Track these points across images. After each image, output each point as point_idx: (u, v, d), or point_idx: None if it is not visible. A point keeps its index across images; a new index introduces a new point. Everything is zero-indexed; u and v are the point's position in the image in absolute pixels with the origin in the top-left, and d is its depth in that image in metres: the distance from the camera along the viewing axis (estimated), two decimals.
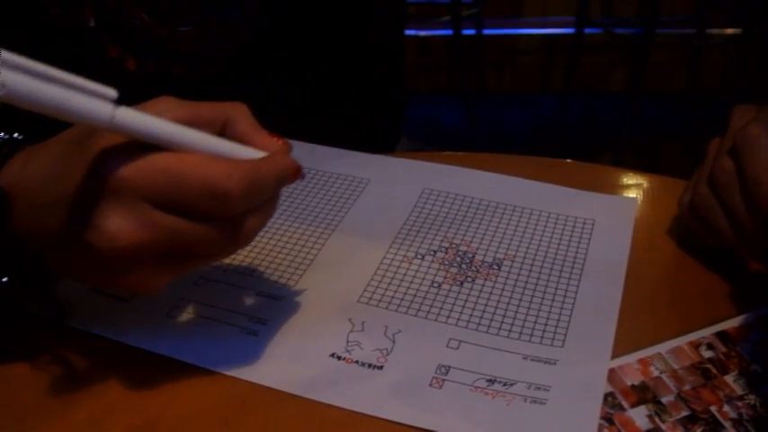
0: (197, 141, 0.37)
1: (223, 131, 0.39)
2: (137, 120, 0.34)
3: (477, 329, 0.46)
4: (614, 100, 2.23)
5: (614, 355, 0.44)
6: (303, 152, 0.62)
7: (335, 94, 0.71)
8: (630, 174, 0.60)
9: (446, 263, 0.51)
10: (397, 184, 0.59)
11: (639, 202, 0.57)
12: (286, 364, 0.44)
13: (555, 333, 0.46)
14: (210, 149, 0.37)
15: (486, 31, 2.19)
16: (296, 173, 0.40)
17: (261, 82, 0.67)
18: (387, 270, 0.51)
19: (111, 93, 0.33)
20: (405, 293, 0.49)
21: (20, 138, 0.40)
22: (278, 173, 0.39)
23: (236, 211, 0.37)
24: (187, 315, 0.47)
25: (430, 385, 0.43)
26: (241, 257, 0.52)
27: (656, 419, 0.41)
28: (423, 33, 2.23)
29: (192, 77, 0.61)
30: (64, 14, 0.55)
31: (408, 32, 2.22)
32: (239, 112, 0.40)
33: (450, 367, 0.44)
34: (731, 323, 0.46)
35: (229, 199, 0.36)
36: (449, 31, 2.02)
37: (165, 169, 0.35)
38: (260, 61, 0.64)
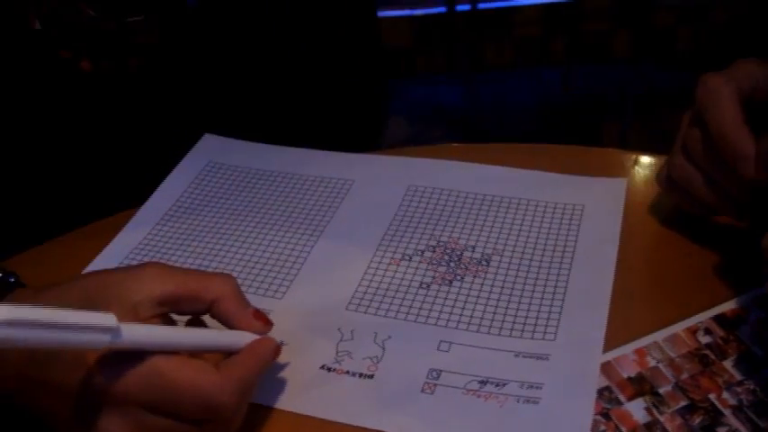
0: (188, 343, 0.38)
1: (210, 307, 0.40)
2: (132, 340, 0.35)
3: (467, 329, 0.45)
4: (618, 66, 2.20)
5: (610, 347, 0.43)
6: (285, 156, 0.61)
7: (309, 88, 0.70)
8: (620, 153, 0.59)
9: (434, 262, 0.50)
10: (381, 183, 0.58)
11: (630, 182, 0.55)
12: (277, 380, 0.44)
13: (546, 327, 0.45)
14: (200, 347, 0.39)
15: (482, 6, 2.16)
16: (276, 355, 0.41)
17: (229, 73, 0.65)
18: (374, 275, 0.50)
19: (110, 320, 0.33)
20: (393, 297, 0.48)
21: (12, 280, 0.41)
22: (263, 367, 0.40)
23: (228, 416, 0.38)
24: None
25: (422, 391, 0.42)
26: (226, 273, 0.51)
27: (654, 411, 0.40)
28: (418, 13, 2.20)
29: (150, 72, 0.60)
30: (6, 19, 0.54)
31: (402, 13, 2.19)
32: (228, 291, 0.40)
33: (441, 371, 0.43)
34: (729, 305, 0.45)
35: (223, 410, 0.37)
36: (443, 9, 1.99)
37: (161, 382, 0.35)
38: (222, 48, 0.63)
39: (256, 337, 0.41)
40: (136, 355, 0.35)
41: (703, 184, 0.46)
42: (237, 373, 0.38)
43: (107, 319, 0.32)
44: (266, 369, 0.40)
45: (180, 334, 0.38)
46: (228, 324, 0.41)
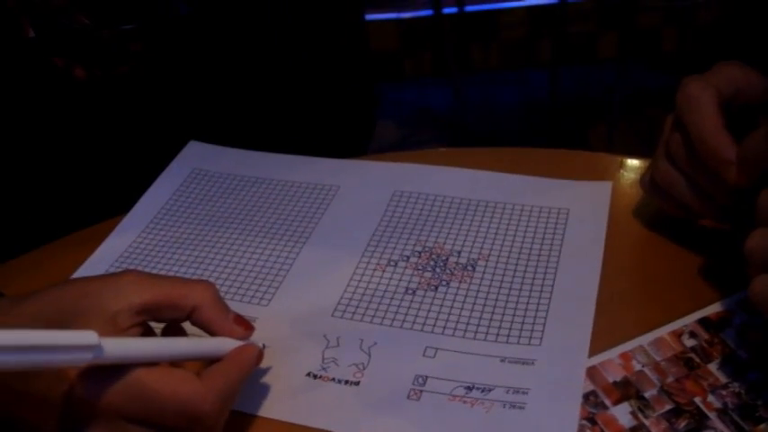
0: (169, 353, 0.38)
1: (190, 314, 0.40)
2: (114, 355, 0.34)
3: (453, 335, 0.45)
4: (604, 68, 2.20)
5: (595, 351, 0.44)
6: (270, 162, 0.61)
7: (296, 93, 0.70)
8: (605, 157, 0.59)
9: (420, 267, 0.50)
10: (366, 189, 0.58)
11: (615, 186, 0.55)
12: (263, 388, 0.44)
13: (532, 332, 0.45)
14: (182, 356, 0.39)
15: (469, 8, 2.17)
16: (258, 361, 0.41)
17: (215, 80, 0.65)
18: (360, 280, 0.50)
19: (92, 338, 0.32)
20: (379, 303, 0.48)
21: None
22: (246, 374, 0.40)
23: (210, 425, 0.38)
24: None
25: (408, 398, 0.42)
26: (212, 281, 0.51)
27: (640, 416, 0.40)
28: (404, 16, 2.21)
29: (139, 79, 0.59)
30: (1, 30, 0.54)
31: (389, 16, 2.19)
32: (207, 298, 0.40)
33: (427, 377, 0.43)
34: (713, 309, 0.45)
35: (206, 419, 0.37)
36: (430, 12, 1.99)
37: (144, 393, 0.35)
38: (212, 56, 0.63)
39: (239, 343, 0.41)
40: (118, 368, 0.35)
41: (686, 188, 0.46)
42: (219, 381, 0.38)
43: (88, 337, 0.32)
44: (248, 375, 0.40)
45: (161, 345, 0.38)
46: (209, 331, 0.40)
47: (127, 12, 0.57)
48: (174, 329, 0.41)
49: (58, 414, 0.36)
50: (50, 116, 0.62)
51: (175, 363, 0.39)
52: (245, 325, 0.41)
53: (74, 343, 0.32)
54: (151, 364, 0.36)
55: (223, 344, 0.40)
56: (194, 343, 0.40)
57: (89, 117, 0.62)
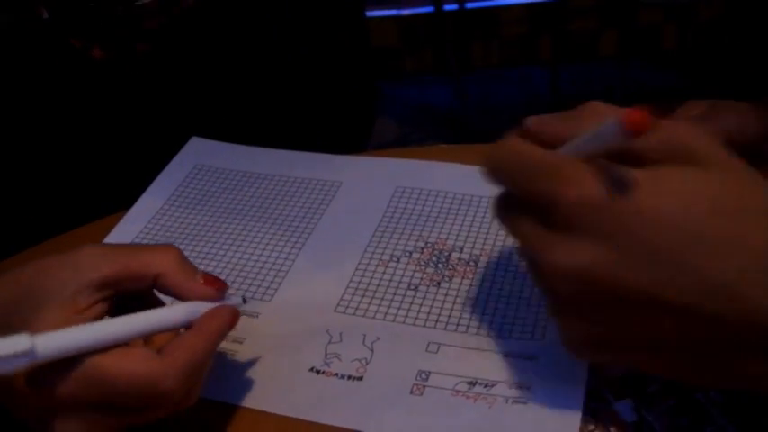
0: (124, 333, 0.36)
1: (155, 282, 0.38)
2: (55, 352, 0.33)
3: (456, 330, 0.46)
4: (605, 65, 2.20)
5: None
6: (272, 158, 0.61)
7: (298, 89, 0.70)
8: None
9: (422, 263, 0.50)
10: (369, 184, 0.58)
11: None
12: (266, 383, 0.44)
13: (534, 327, 0.45)
14: (139, 333, 0.37)
15: (469, 5, 2.17)
16: (233, 322, 0.39)
17: (217, 76, 0.65)
18: (362, 276, 0.50)
19: (23, 344, 0.31)
20: (381, 299, 0.48)
21: None
22: (215, 341, 0.38)
23: (176, 401, 0.36)
24: None
25: (411, 393, 0.42)
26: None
27: (643, 411, 0.40)
28: (405, 13, 2.21)
29: (157, 57, 0.59)
30: (15, 11, 0.53)
31: (390, 13, 2.19)
32: (170, 263, 0.38)
33: (430, 372, 0.43)
34: None
35: (170, 396, 0.35)
36: (431, 9, 1.99)
37: (102, 380, 0.34)
38: (213, 52, 0.63)
39: (212, 305, 0.39)
40: (73, 359, 0.34)
41: None
42: (182, 356, 0.36)
43: (19, 343, 0.31)
44: (221, 340, 0.38)
45: (113, 326, 0.36)
46: (179, 297, 0.39)
47: None
48: (148, 300, 0.40)
49: (30, 410, 0.35)
50: (68, 97, 0.61)
51: (148, 339, 0.37)
52: (216, 284, 0.39)
53: (5, 353, 0.31)
54: (110, 347, 0.35)
55: (196, 308, 0.38)
56: (154, 316, 0.37)
57: (107, 98, 0.62)
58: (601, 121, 0.34)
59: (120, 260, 0.37)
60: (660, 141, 0.33)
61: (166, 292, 0.39)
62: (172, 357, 0.35)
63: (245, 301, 0.41)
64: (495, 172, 0.37)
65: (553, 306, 0.36)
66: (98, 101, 0.61)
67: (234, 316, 0.39)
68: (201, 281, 0.39)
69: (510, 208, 0.37)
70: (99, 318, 0.36)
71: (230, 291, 0.40)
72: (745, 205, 0.32)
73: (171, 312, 0.38)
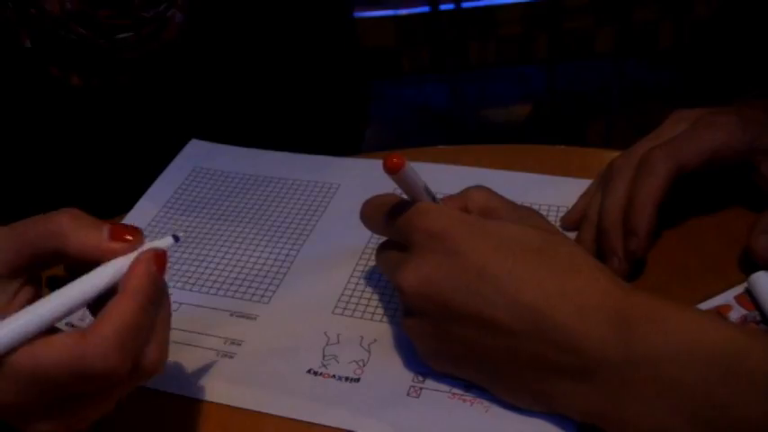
0: (40, 320, 0.32)
1: (60, 250, 0.34)
2: None
3: None
4: (601, 63, 2.21)
5: None
6: (270, 160, 0.62)
7: (290, 91, 0.70)
8: (603, 153, 0.59)
9: None
10: (366, 186, 0.57)
11: None
12: (264, 385, 0.44)
13: None
14: (64, 313, 0.33)
15: (465, 5, 2.17)
16: (161, 264, 0.34)
17: (212, 79, 0.65)
18: (360, 278, 0.50)
19: None
20: (379, 300, 0.48)
21: None
22: (147, 297, 0.33)
23: (123, 374, 0.32)
24: None
25: (407, 395, 0.42)
26: (213, 278, 0.51)
27: None
28: (401, 13, 2.21)
29: (138, 87, 0.59)
30: None
31: (386, 13, 2.19)
32: (71, 228, 0.34)
33: (427, 374, 0.43)
34: (709, 303, 0.46)
35: (115, 370, 0.32)
36: (427, 9, 1.99)
37: (29, 379, 0.31)
38: (204, 55, 0.63)
39: (129, 259, 0.34)
40: (1, 363, 0.31)
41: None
42: (107, 326, 0.31)
43: None
44: (154, 294, 0.34)
45: (26, 317, 0.32)
46: (93, 260, 0.34)
47: (121, 22, 0.57)
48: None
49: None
50: (48, 121, 0.62)
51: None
52: (127, 233, 0.34)
53: None
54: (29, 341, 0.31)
55: (114, 268, 0.34)
56: (73, 290, 0.33)
57: (88, 122, 0.63)
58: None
59: (19, 233, 0.34)
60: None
61: (76, 259, 0.34)
62: (96, 332, 0.31)
63: (177, 239, 0.36)
64: (367, 220, 0.46)
65: (405, 322, 0.42)
66: (88, 115, 0.62)
67: (157, 260, 0.34)
68: (107, 235, 0.34)
69: (384, 248, 0.45)
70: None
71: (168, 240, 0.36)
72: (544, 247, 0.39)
73: (91, 279, 0.33)
